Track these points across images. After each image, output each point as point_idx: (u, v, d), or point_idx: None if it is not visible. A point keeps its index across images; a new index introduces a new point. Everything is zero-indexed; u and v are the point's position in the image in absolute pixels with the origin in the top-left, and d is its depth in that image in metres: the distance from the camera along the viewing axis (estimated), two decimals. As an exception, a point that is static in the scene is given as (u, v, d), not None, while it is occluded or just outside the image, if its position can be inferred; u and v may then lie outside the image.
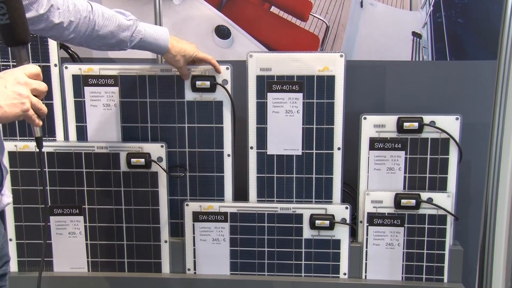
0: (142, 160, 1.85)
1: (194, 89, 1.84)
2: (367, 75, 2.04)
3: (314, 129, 1.83)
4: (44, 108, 1.15)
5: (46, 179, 1.88)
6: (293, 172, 1.86)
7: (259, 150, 1.87)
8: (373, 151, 1.84)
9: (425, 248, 1.86)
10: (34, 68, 1.14)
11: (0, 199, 1.31)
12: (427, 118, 1.81)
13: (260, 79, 1.82)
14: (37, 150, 1.27)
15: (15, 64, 1.16)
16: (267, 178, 1.88)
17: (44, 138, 1.87)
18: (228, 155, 1.88)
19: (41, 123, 1.16)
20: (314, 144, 1.84)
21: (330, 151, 1.84)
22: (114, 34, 1.59)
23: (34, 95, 1.12)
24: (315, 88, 1.81)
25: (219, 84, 1.83)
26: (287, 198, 1.89)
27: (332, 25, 2.03)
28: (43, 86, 1.14)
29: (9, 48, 1.19)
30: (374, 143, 1.84)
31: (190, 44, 1.76)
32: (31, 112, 1.12)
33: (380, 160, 1.85)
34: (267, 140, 1.85)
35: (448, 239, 1.86)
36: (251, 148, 1.87)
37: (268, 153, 1.86)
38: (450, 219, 1.85)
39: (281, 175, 1.87)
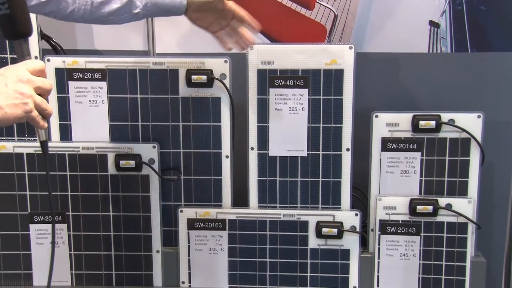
0: (132, 162, 1.86)
1: (190, 84, 1.84)
2: (379, 69, 2.05)
3: (321, 128, 1.84)
4: (50, 109, 1.16)
5: (26, 183, 1.89)
6: (298, 175, 1.87)
7: (260, 151, 1.87)
8: (386, 152, 1.85)
9: (443, 259, 1.87)
10: (37, 63, 1.14)
11: None
12: (445, 116, 1.81)
13: (261, 73, 1.83)
14: (44, 154, 1.28)
15: (15, 58, 1.16)
16: (269, 181, 1.89)
17: (24, 138, 1.91)
18: (227, 157, 1.89)
19: (46, 125, 1.17)
20: (320, 145, 1.85)
21: (338, 152, 1.85)
22: None
23: (38, 94, 1.12)
24: (321, 83, 1.81)
25: (216, 78, 1.83)
26: (291, 203, 1.90)
27: (341, 14, 2.04)
28: (48, 84, 1.15)
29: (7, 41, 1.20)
30: (387, 144, 1.84)
31: None
32: (35, 113, 1.13)
33: (393, 162, 1.85)
34: (269, 140, 1.86)
35: (470, 250, 1.85)
36: (252, 149, 1.88)
37: (270, 155, 1.87)
38: (471, 228, 1.85)
39: (285, 179, 1.88)
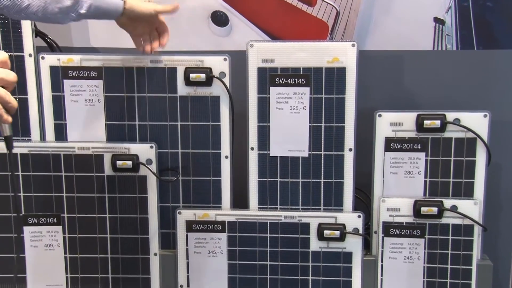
0: (129, 162, 1.86)
1: (188, 82, 1.84)
2: (382, 67, 2.05)
3: (323, 128, 1.83)
4: (14, 102, 1.13)
5: (19, 185, 1.88)
6: (299, 176, 1.87)
7: (260, 152, 1.87)
8: (389, 153, 1.85)
9: (449, 262, 1.86)
10: (0, 54, 1.12)
11: None
12: (450, 115, 1.81)
13: (261, 71, 1.83)
14: (7, 151, 1.25)
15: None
16: (269, 182, 1.88)
17: (17, 138, 1.90)
18: (226, 157, 1.89)
19: (10, 119, 1.15)
20: (322, 145, 1.84)
21: (341, 153, 1.84)
22: None
23: (1, 86, 1.11)
24: (323, 82, 1.81)
25: (216, 77, 1.83)
26: (292, 205, 1.89)
27: (343, 11, 2.03)
28: (11, 75, 1.13)
29: None
30: (390, 144, 1.84)
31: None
32: None
33: (397, 162, 1.85)
34: (270, 140, 1.86)
35: (476, 253, 1.85)
36: (252, 149, 1.87)
37: (270, 155, 1.87)
38: (477, 230, 1.84)
39: (286, 180, 1.88)
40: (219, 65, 1.83)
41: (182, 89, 1.85)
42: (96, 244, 1.92)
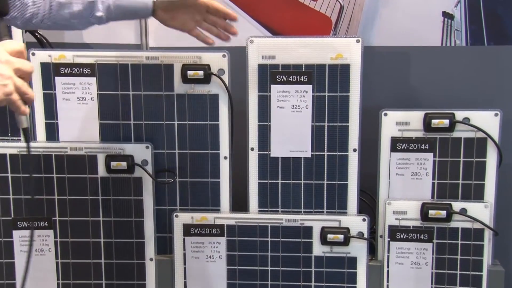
0: (124, 163, 1.85)
1: (185, 80, 1.84)
2: (388, 64, 2.05)
3: (326, 127, 1.83)
4: (31, 92, 1.14)
5: (9, 187, 1.86)
6: (301, 177, 1.86)
7: (261, 152, 1.86)
8: (395, 153, 1.84)
9: (458, 268, 1.85)
10: (16, 44, 1.13)
11: None
12: (459, 114, 1.80)
13: (262, 68, 1.82)
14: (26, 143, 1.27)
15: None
16: (270, 184, 1.88)
17: (6, 138, 1.90)
18: (225, 158, 1.88)
19: (27, 110, 1.15)
20: (325, 145, 1.84)
21: (345, 153, 1.84)
22: None
23: (18, 76, 1.11)
24: (326, 79, 1.80)
25: (214, 74, 1.83)
26: (293, 208, 1.89)
27: (347, 5, 2.03)
28: (28, 66, 1.13)
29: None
30: (397, 144, 1.83)
31: None
32: (15, 96, 1.11)
33: (403, 163, 1.84)
34: (271, 140, 1.85)
35: (486, 258, 1.84)
36: (252, 149, 1.86)
37: (271, 155, 1.86)
38: (488, 234, 1.83)
39: (287, 181, 1.87)
40: (218, 61, 1.83)
41: (179, 87, 1.85)
42: (89, 249, 1.91)
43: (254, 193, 1.89)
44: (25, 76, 1.14)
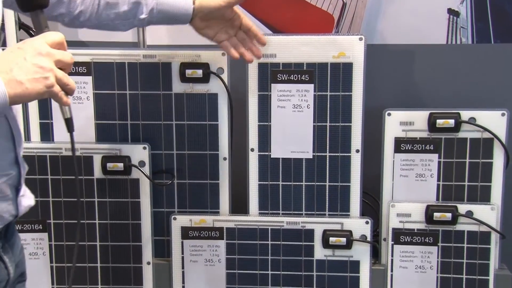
0: (121, 164, 1.84)
1: (184, 79, 1.83)
2: (392, 62, 2.04)
3: (328, 128, 1.82)
4: (72, 83, 1.15)
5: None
6: (302, 179, 1.86)
7: (261, 153, 1.86)
8: (399, 154, 1.84)
9: (464, 272, 1.84)
10: (56, 35, 1.14)
11: (19, 201, 1.31)
12: (465, 114, 1.80)
13: (262, 67, 1.82)
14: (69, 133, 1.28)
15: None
16: (270, 186, 1.87)
17: None
18: (224, 159, 1.88)
19: (69, 101, 1.17)
20: (327, 146, 1.83)
21: (347, 154, 1.83)
22: None
23: (58, 68, 1.12)
24: (328, 78, 1.80)
25: (213, 73, 1.82)
26: (295, 210, 1.88)
27: (350, 2, 2.02)
28: (68, 57, 1.14)
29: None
30: (401, 145, 1.83)
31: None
32: (57, 88, 1.12)
33: (407, 164, 1.84)
34: (271, 141, 1.85)
35: (493, 262, 1.83)
36: (252, 150, 1.86)
37: (272, 156, 1.86)
38: (494, 237, 1.82)
39: (288, 183, 1.86)
40: (217, 60, 1.82)
41: (177, 86, 1.84)
42: (84, 253, 1.90)
43: (254, 195, 1.88)
44: (66, 67, 1.14)
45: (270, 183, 1.87)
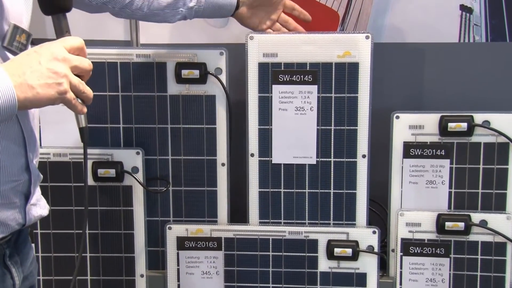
0: (112, 170, 1.84)
1: (179, 79, 1.83)
2: (401, 62, 2.03)
3: (332, 131, 1.81)
4: (89, 91, 1.18)
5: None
6: (306, 186, 1.84)
7: (261, 158, 1.84)
8: (409, 160, 1.82)
9: (478, 285, 1.83)
10: (76, 40, 1.17)
11: (28, 210, 1.30)
12: (479, 117, 1.78)
13: (263, 67, 1.80)
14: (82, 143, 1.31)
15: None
16: (272, 193, 1.86)
17: None
18: (223, 165, 1.87)
19: (85, 109, 1.20)
20: (332, 151, 1.82)
21: (353, 160, 1.82)
22: None
23: (75, 75, 1.14)
24: (333, 79, 1.79)
25: (211, 73, 1.81)
26: (297, 219, 1.87)
27: None
28: (86, 63, 1.17)
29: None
30: (410, 149, 1.82)
31: None
32: (70, 95, 1.14)
33: (417, 171, 1.83)
34: (272, 146, 1.84)
35: (509, 274, 1.82)
36: (252, 155, 1.84)
37: (273, 162, 1.85)
38: (510, 248, 1.81)
39: (290, 190, 1.85)
40: (215, 60, 1.82)
41: (173, 87, 1.84)
42: (73, 264, 1.88)
43: (254, 203, 1.86)
44: (84, 74, 1.16)
45: (271, 190, 1.86)
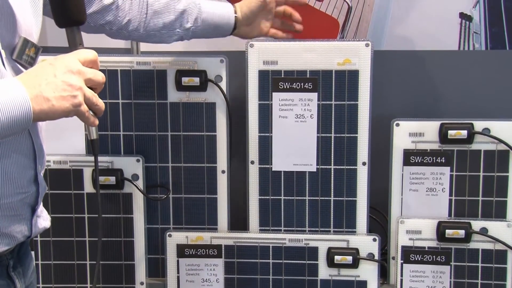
0: (113, 178, 1.83)
1: (180, 87, 1.83)
2: (401, 70, 2.03)
3: (332, 139, 1.81)
4: (101, 104, 1.20)
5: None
6: (306, 193, 1.85)
7: (261, 166, 1.85)
8: (409, 167, 1.83)
9: None
10: (90, 53, 1.19)
11: (35, 222, 1.32)
12: (479, 124, 1.79)
13: (263, 74, 1.81)
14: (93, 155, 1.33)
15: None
16: (272, 201, 1.86)
17: None
18: (223, 172, 1.87)
19: (97, 122, 1.22)
20: (332, 158, 1.82)
21: (353, 167, 1.82)
22: (170, 6, 1.67)
23: (88, 87, 1.16)
24: (333, 86, 1.79)
25: (211, 81, 1.82)
26: (297, 227, 1.88)
27: (356, 6, 2.02)
28: (100, 76, 1.19)
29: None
30: (410, 157, 1.82)
31: None
32: (84, 107, 1.15)
33: (417, 178, 1.83)
34: (272, 153, 1.84)
35: (510, 282, 1.82)
36: (252, 162, 1.85)
37: (273, 169, 1.85)
38: (511, 256, 1.81)
39: (290, 198, 1.85)
40: (215, 67, 1.83)
41: (173, 95, 1.85)
42: (73, 272, 1.89)
43: (254, 210, 1.87)
44: (97, 86, 1.18)
45: (272, 197, 1.86)
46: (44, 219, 1.36)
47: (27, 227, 1.29)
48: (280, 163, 1.84)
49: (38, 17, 1.28)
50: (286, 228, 1.87)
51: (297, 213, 1.86)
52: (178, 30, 1.70)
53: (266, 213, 1.87)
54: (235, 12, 1.73)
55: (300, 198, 1.85)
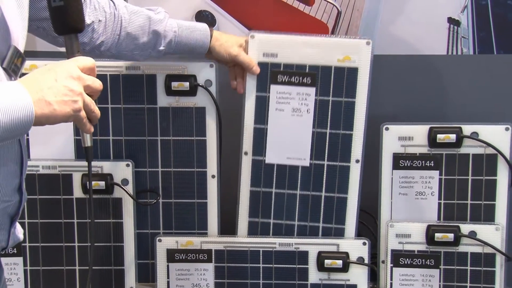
0: (102, 183, 1.84)
1: (169, 92, 1.84)
2: (390, 74, 2.04)
3: (328, 135, 1.82)
4: (97, 111, 1.22)
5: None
6: (297, 187, 1.86)
7: (255, 157, 1.85)
8: (398, 171, 1.84)
9: None
10: (88, 60, 1.21)
11: (12, 233, 1.32)
12: (467, 129, 1.80)
13: (262, 67, 1.82)
14: (87, 162, 1.34)
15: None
16: (263, 193, 1.87)
17: None
18: (213, 176, 1.88)
19: (92, 129, 1.24)
20: (326, 154, 1.83)
21: (346, 164, 1.83)
22: (145, 29, 1.68)
23: (87, 94, 1.18)
24: (331, 83, 1.80)
25: (201, 85, 1.83)
26: (287, 220, 1.88)
27: (345, 10, 2.02)
28: (98, 84, 1.21)
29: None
30: (399, 161, 1.83)
31: (239, 38, 1.83)
32: (83, 113, 1.17)
33: (407, 182, 1.84)
34: (266, 145, 1.84)
35: (498, 285, 1.83)
36: (246, 153, 1.86)
37: (266, 162, 1.85)
38: (499, 259, 1.82)
39: (282, 191, 1.86)
40: (205, 72, 1.84)
41: (163, 100, 1.85)
42: (62, 278, 1.88)
43: (245, 201, 1.87)
44: (94, 93, 1.20)
45: (263, 190, 1.86)
46: (18, 232, 1.35)
47: (5, 237, 1.28)
48: (273, 156, 1.84)
49: (25, 21, 1.28)
50: (275, 221, 1.87)
51: (287, 206, 1.86)
52: (150, 51, 1.71)
53: (256, 205, 1.87)
54: (211, 40, 1.75)
55: (291, 191, 1.85)
